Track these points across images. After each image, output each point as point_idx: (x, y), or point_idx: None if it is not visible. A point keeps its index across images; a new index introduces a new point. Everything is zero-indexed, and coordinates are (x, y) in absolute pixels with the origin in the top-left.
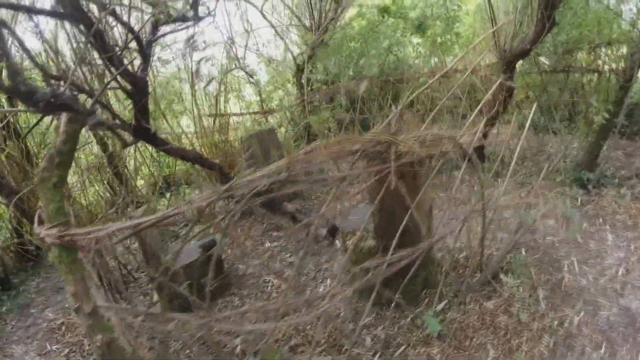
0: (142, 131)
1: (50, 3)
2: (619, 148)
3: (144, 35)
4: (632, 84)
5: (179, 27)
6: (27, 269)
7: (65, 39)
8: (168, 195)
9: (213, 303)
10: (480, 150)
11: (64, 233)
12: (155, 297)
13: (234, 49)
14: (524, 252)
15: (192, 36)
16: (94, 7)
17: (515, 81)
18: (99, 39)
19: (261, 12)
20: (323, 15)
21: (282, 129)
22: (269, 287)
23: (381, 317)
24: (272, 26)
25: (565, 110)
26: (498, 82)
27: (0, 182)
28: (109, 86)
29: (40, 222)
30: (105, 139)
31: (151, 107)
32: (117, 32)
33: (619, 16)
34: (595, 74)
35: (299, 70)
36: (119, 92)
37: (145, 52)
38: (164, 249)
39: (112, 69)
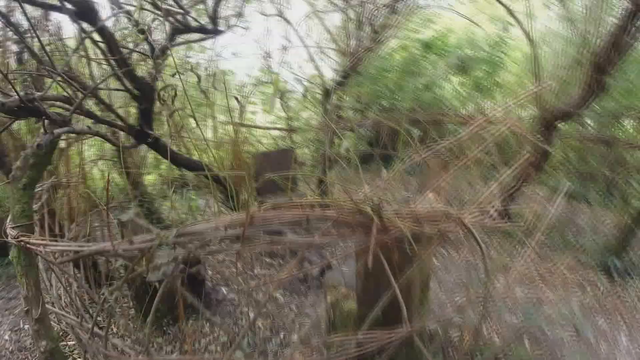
0: (144, 136)
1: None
2: None
3: (159, 42)
4: None
5: (202, 38)
6: None
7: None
8: (174, 196)
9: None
10: (504, 204)
11: (21, 237)
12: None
13: (269, 63)
14: (527, 344)
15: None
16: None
17: (552, 144)
18: (108, 38)
19: (295, 30)
20: (359, 43)
21: (304, 150)
22: (243, 320)
23: None
24: (305, 45)
25: (603, 183)
26: (533, 143)
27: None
28: (116, 89)
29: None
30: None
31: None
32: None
33: None
34: None
35: (327, 95)
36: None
37: (156, 58)
38: None
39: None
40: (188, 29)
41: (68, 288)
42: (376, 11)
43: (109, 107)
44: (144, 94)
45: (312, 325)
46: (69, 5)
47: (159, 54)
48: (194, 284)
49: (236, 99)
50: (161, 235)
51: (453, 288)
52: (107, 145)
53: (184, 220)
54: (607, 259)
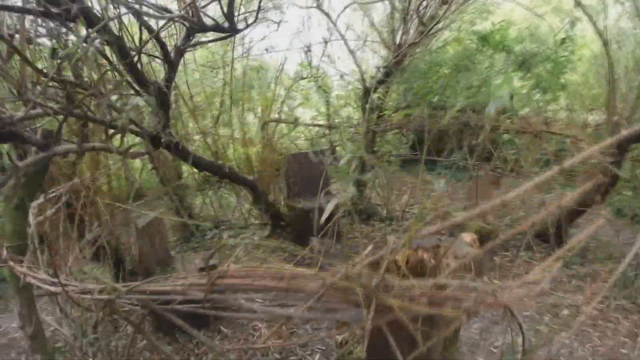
0: (159, 140)
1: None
2: None
3: (173, 43)
4: None
5: (218, 37)
6: None
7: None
8: (207, 193)
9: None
10: (558, 230)
11: (8, 259)
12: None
13: (309, 57)
14: None
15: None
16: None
17: (623, 169)
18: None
19: (334, 23)
20: (404, 37)
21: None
22: (255, 337)
23: None
24: (343, 38)
25: None
26: (602, 166)
27: None
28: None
29: None
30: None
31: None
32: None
33: None
34: None
35: (366, 93)
36: None
37: (170, 60)
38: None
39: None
40: (203, 29)
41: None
42: (425, 1)
43: (120, 112)
44: (158, 99)
45: None
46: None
47: (173, 56)
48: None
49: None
50: (117, 290)
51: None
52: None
53: (215, 217)
54: None
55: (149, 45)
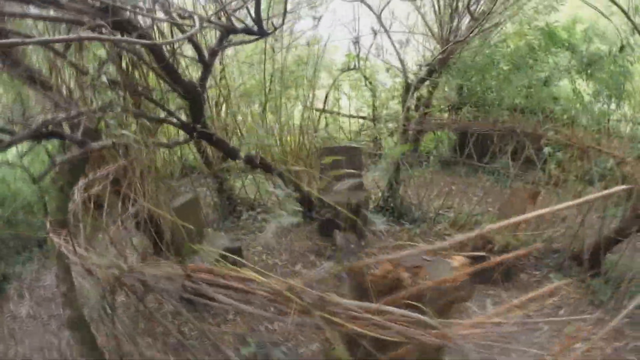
0: (191, 131)
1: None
2: None
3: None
4: None
5: (250, 40)
6: None
7: None
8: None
9: None
10: (594, 256)
11: (50, 231)
12: None
13: (357, 49)
14: None
15: None
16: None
17: None
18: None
19: (378, 17)
20: (452, 33)
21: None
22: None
23: None
24: (386, 31)
25: None
26: None
27: None
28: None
29: None
30: None
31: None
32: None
33: None
34: None
35: (407, 90)
36: None
37: (205, 61)
38: None
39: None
40: (234, 31)
41: None
42: None
43: (163, 108)
44: (192, 95)
45: None
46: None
47: (208, 57)
48: None
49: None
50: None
51: None
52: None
53: (253, 200)
54: None
55: (186, 47)
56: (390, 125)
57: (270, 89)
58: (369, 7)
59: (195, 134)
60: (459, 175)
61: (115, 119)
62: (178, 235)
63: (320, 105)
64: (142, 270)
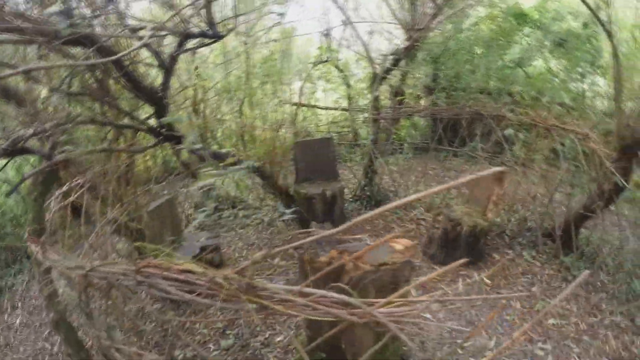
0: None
1: None
2: None
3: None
4: None
5: (205, 43)
6: None
7: None
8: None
9: None
10: (566, 233)
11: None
12: None
13: (328, 42)
14: None
15: None
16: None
17: (629, 178)
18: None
19: (341, 8)
20: (415, 20)
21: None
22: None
23: None
24: (350, 22)
25: None
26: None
27: None
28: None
29: None
30: None
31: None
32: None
33: None
34: None
35: (374, 80)
36: None
37: (165, 66)
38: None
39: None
40: (191, 36)
41: None
42: None
43: (127, 114)
44: (154, 100)
45: None
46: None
47: (168, 63)
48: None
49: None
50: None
51: None
52: None
53: (233, 197)
54: None
55: (147, 54)
56: (362, 115)
57: (245, 86)
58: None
59: (161, 137)
60: (437, 160)
61: (66, 134)
62: (155, 238)
63: (296, 99)
64: (101, 269)
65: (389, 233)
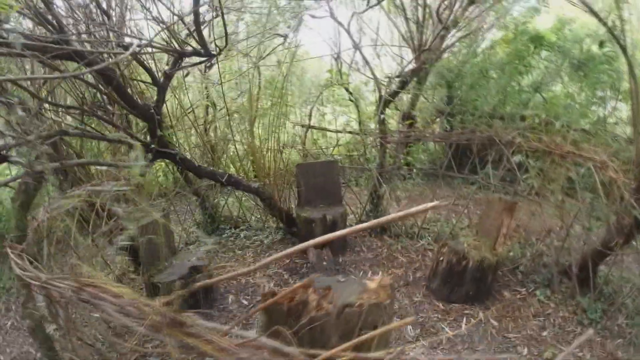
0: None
1: None
2: None
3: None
4: None
5: (200, 61)
6: None
7: None
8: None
9: None
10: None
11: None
12: None
13: (339, 65)
14: None
15: None
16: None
17: None
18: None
19: (347, 31)
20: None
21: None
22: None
23: None
24: (356, 46)
25: None
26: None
27: None
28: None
29: None
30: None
31: None
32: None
33: None
34: None
35: (379, 103)
36: None
37: (158, 84)
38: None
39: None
40: (185, 55)
41: None
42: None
43: (119, 128)
44: (147, 117)
45: None
46: None
47: (162, 81)
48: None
49: None
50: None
51: None
52: None
53: (235, 217)
54: None
55: (140, 72)
56: (370, 138)
57: (257, 106)
58: (340, 23)
59: (152, 153)
60: (450, 187)
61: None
62: (147, 254)
63: (307, 122)
64: (52, 283)
65: (392, 263)
